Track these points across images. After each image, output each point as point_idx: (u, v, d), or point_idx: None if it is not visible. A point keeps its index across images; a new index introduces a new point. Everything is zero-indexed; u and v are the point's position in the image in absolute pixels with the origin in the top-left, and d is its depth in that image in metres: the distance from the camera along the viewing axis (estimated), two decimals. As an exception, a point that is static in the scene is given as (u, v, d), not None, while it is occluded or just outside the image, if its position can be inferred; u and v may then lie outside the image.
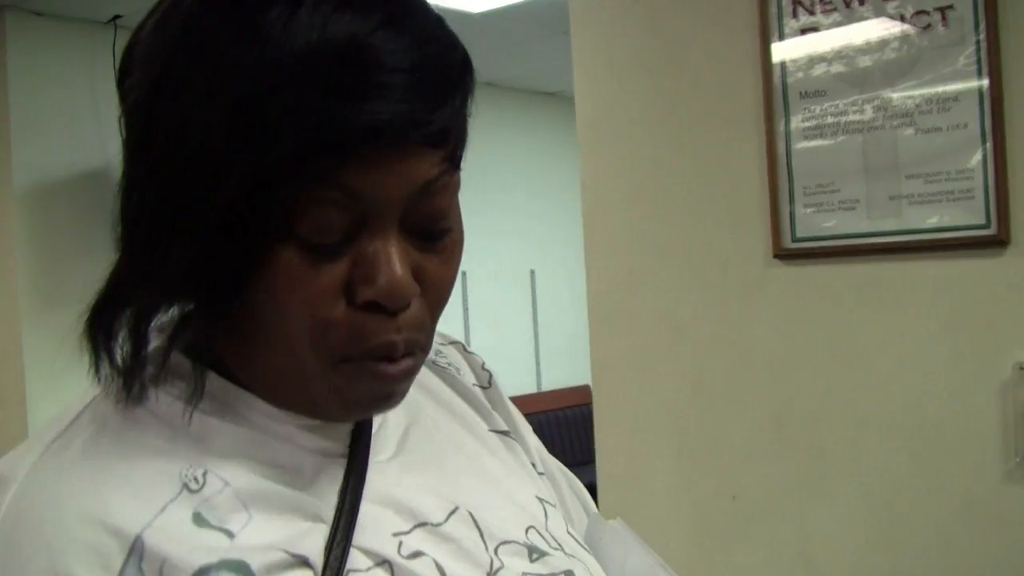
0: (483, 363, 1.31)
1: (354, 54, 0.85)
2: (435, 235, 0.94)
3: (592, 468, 2.81)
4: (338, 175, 0.85)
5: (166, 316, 0.99)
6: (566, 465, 1.38)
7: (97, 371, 0.96)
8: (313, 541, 0.94)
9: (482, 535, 1.04)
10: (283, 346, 0.93)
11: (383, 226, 0.89)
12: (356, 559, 0.95)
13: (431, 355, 1.20)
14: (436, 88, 0.89)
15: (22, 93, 5.54)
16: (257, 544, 0.90)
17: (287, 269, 0.88)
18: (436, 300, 0.96)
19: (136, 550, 0.85)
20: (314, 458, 1.01)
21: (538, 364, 8.59)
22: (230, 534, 0.90)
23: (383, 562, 0.96)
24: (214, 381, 0.97)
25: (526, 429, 1.31)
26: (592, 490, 1.45)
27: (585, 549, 1.18)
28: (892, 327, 2.34)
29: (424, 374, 1.20)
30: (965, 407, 2.25)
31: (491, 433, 1.24)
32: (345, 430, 1.03)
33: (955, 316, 2.26)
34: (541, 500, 1.18)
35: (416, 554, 0.98)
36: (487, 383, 1.29)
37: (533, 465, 1.27)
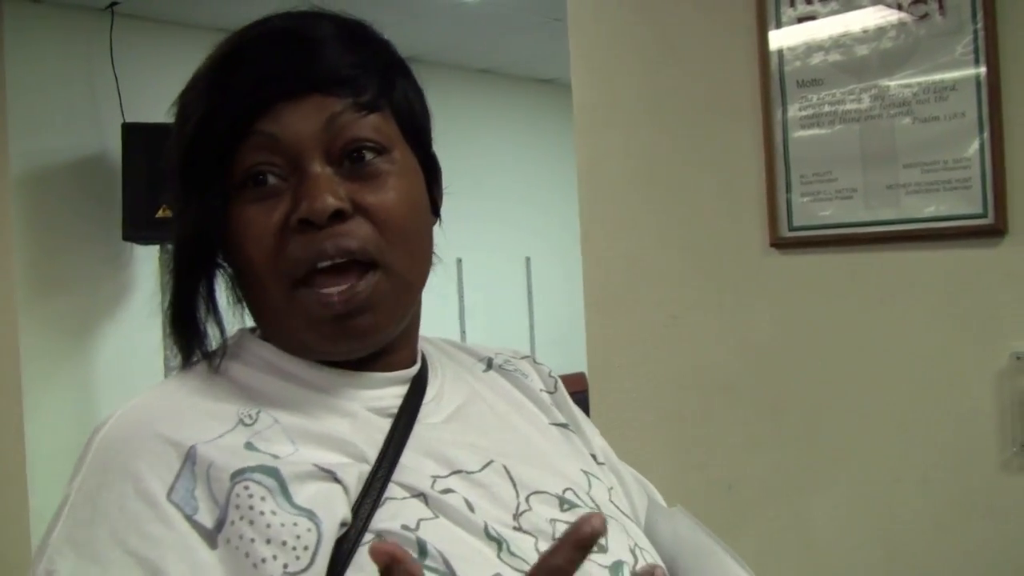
0: (550, 371, 1.48)
1: (247, 41, 1.16)
2: (359, 164, 1.14)
3: (587, 456, 2.81)
4: (256, 125, 1.11)
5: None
6: (559, 450, 1.44)
7: (186, 351, 1.20)
8: (351, 471, 1.08)
9: (515, 485, 1.18)
10: (259, 289, 1.16)
11: (308, 162, 1.12)
12: (393, 490, 1.10)
13: (500, 362, 1.44)
14: (316, 49, 1.15)
15: (19, 80, 5.53)
16: (294, 462, 1.07)
17: (241, 216, 1.13)
18: (383, 223, 1.14)
19: (190, 457, 1.04)
20: (366, 415, 1.18)
21: (533, 351, 8.54)
22: (275, 457, 1.07)
23: (418, 494, 1.10)
24: (279, 355, 1.20)
25: (591, 429, 1.46)
26: (646, 479, 1.53)
27: (629, 517, 1.31)
28: (889, 316, 2.34)
29: (490, 376, 1.41)
30: (962, 396, 2.25)
31: (550, 426, 1.39)
32: (398, 392, 1.22)
33: (952, 305, 2.26)
34: (587, 473, 1.30)
35: (448, 491, 1.12)
36: (553, 388, 1.46)
37: (593, 456, 1.41)
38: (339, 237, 1.11)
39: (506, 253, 8.31)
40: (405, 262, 1.17)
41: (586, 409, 2.86)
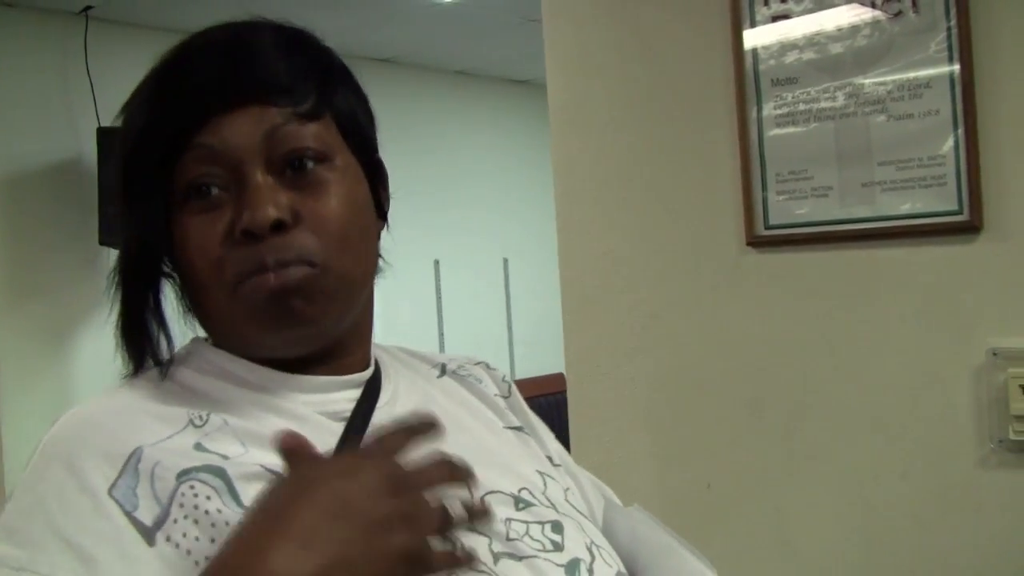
0: (504, 376, 1.50)
1: (182, 55, 1.17)
2: (300, 173, 1.15)
3: (567, 456, 2.81)
4: (196, 137, 1.12)
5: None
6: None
7: (136, 360, 1.20)
8: None
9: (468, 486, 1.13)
10: (203, 294, 1.16)
11: (249, 173, 1.12)
12: None
13: (454, 368, 1.45)
14: (253, 60, 1.16)
15: (-7, 84, 5.53)
16: (242, 462, 1.07)
17: (186, 226, 1.14)
18: (324, 230, 1.15)
19: (136, 454, 1.04)
20: (317, 419, 1.18)
21: (511, 352, 8.59)
22: (224, 457, 1.08)
23: None
24: (230, 360, 1.20)
25: (545, 432, 1.47)
26: (601, 482, 1.55)
27: (584, 516, 1.31)
28: (865, 314, 2.35)
29: (444, 381, 1.42)
30: (939, 393, 2.26)
31: (505, 429, 1.39)
32: (351, 396, 1.22)
33: (928, 302, 2.27)
34: (542, 473, 1.31)
35: None
36: (507, 393, 1.47)
37: (549, 458, 1.41)
38: (279, 250, 1.11)
39: (484, 255, 8.32)
40: (343, 263, 1.17)
41: (565, 409, 2.86)
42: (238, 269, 1.11)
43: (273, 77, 1.16)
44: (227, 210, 1.12)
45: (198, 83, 1.13)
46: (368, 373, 1.26)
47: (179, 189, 1.14)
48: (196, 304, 1.20)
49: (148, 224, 1.15)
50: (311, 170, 1.16)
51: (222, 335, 1.21)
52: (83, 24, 5.77)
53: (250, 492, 1.03)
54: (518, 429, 1.41)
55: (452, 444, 1.22)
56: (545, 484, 1.29)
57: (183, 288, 1.21)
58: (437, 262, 7.79)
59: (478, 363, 1.50)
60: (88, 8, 5.72)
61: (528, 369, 8.56)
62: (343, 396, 1.22)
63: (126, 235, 1.18)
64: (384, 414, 1.23)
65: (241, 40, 1.18)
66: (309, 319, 1.15)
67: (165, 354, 1.21)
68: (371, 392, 1.24)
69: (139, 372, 1.20)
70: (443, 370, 1.44)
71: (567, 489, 1.34)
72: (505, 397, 1.46)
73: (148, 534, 1.00)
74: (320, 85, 1.19)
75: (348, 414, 1.20)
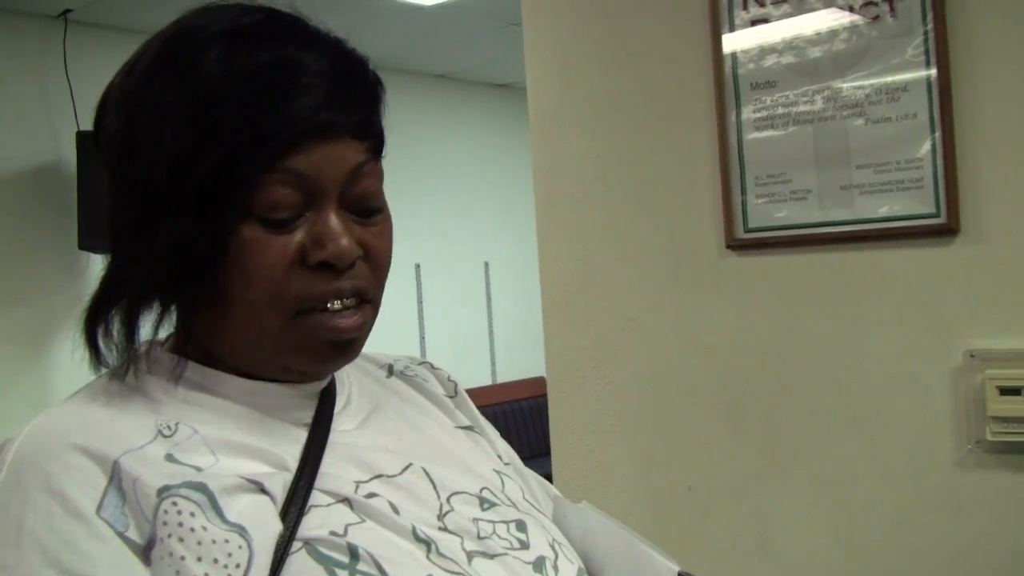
0: (448, 376, 1.52)
1: (283, 66, 1.11)
2: (368, 212, 1.18)
3: (547, 460, 2.82)
4: (287, 160, 1.09)
5: (161, 334, 1.20)
6: (521, 458, 1.54)
7: (96, 360, 1.17)
8: (276, 481, 1.10)
9: (435, 486, 1.22)
10: (249, 312, 1.12)
11: (326, 203, 1.13)
12: (317, 497, 1.11)
13: (401, 368, 1.46)
14: (352, 92, 1.16)
15: (-29, 88, 5.52)
16: (219, 474, 1.07)
17: (250, 242, 1.10)
18: (377, 266, 1.19)
19: (116, 472, 1.02)
20: (281, 425, 1.19)
21: (493, 356, 8.60)
22: (198, 469, 1.06)
23: (343, 500, 1.12)
24: (193, 369, 1.18)
25: (492, 432, 1.50)
26: (548, 481, 1.58)
27: (541, 512, 1.34)
28: (844, 316, 2.36)
29: (393, 381, 1.44)
30: (918, 395, 2.27)
31: (456, 429, 1.42)
32: (310, 403, 1.24)
33: (906, 305, 2.28)
34: (499, 472, 1.35)
35: (372, 495, 1.14)
36: (453, 392, 1.49)
37: (499, 457, 1.45)
38: (354, 279, 1.15)
39: (465, 259, 8.33)
40: (381, 297, 1.23)
41: (546, 412, 2.87)
42: (307, 293, 1.13)
43: (365, 112, 1.18)
44: (296, 233, 1.12)
45: (303, 105, 1.10)
46: (324, 383, 1.28)
47: (252, 206, 1.09)
48: (217, 317, 1.15)
49: (208, 233, 1.09)
50: (375, 213, 1.19)
51: (230, 350, 1.18)
52: (62, 27, 5.76)
53: (234, 507, 1.04)
54: (468, 428, 1.44)
55: (412, 444, 1.29)
56: (503, 483, 1.32)
57: (197, 299, 1.15)
58: (418, 266, 7.79)
59: (422, 363, 1.53)
60: (67, 11, 5.71)
61: (509, 373, 8.57)
62: (304, 403, 1.23)
63: (173, 237, 1.09)
64: (342, 418, 1.26)
65: (345, 66, 1.18)
66: (354, 356, 1.22)
67: (135, 356, 1.18)
68: (327, 399, 1.26)
69: (100, 376, 1.18)
70: (390, 371, 1.47)
71: (522, 487, 1.38)
72: (451, 397, 1.48)
73: (143, 554, 1.00)
74: (379, 121, 1.22)
75: (309, 420, 1.22)
